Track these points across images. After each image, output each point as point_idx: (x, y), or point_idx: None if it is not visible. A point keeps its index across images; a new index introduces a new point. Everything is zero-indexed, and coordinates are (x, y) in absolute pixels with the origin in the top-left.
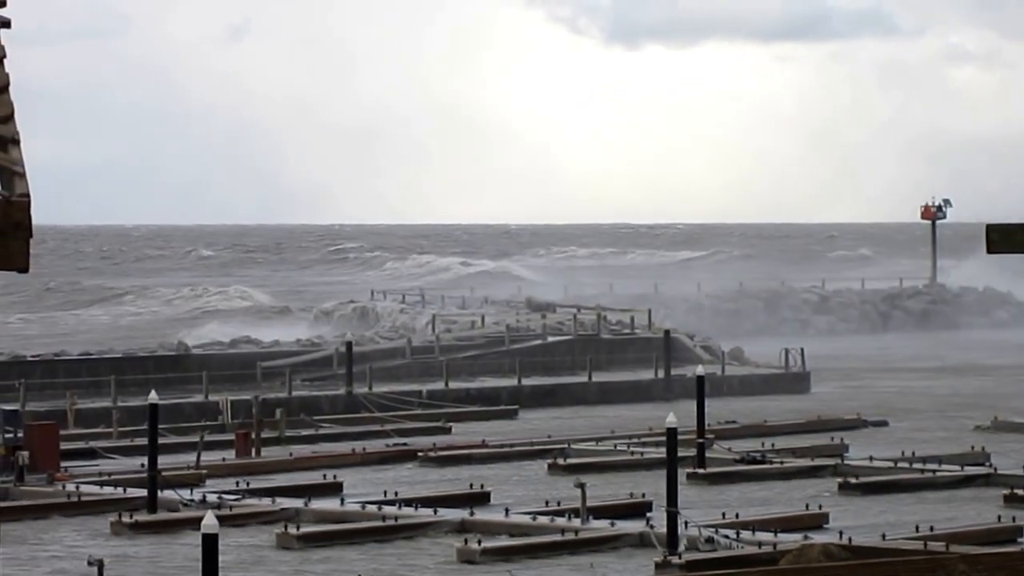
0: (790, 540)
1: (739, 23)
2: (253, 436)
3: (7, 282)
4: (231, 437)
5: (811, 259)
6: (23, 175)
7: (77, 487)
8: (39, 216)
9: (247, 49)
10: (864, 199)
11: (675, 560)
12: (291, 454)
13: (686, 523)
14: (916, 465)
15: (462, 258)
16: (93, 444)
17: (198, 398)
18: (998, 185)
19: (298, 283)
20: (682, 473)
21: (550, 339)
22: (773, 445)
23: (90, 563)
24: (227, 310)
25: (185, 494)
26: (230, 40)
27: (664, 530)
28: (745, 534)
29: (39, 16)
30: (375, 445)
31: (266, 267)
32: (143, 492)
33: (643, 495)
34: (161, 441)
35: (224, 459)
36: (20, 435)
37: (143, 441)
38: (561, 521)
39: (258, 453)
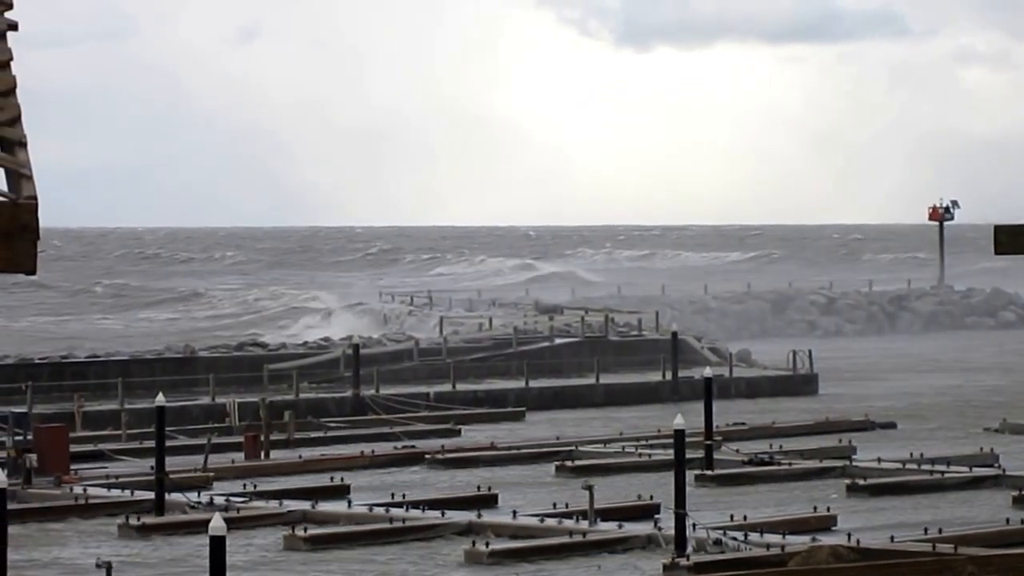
0: (798, 542)
1: (749, 24)
2: (262, 438)
3: (46, 284)
4: (239, 439)
5: (860, 261)
6: (30, 177)
7: (85, 490)
8: (46, 218)
9: (257, 51)
10: (874, 200)
11: (683, 562)
12: (300, 456)
13: (694, 525)
14: (924, 467)
15: (516, 260)
16: (102, 447)
17: (205, 400)
18: (1008, 186)
19: (362, 285)
20: (690, 475)
21: (558, 341)
22: (781, 447)
23: (98, 565)
24: (306, 310)
25: (193, 496)
26: (240, 42)
27: (672, 532)
28: (753, 536)
29: (47, 18)
30: (383, 447)
31: (311, 269)
32: (151, 494)
33: (651, 497)
34: (169, 443)
35: (233, 461)
36: (29, 437)
37: (151, 443)
38: (569, 523)
39: (267, 455)
